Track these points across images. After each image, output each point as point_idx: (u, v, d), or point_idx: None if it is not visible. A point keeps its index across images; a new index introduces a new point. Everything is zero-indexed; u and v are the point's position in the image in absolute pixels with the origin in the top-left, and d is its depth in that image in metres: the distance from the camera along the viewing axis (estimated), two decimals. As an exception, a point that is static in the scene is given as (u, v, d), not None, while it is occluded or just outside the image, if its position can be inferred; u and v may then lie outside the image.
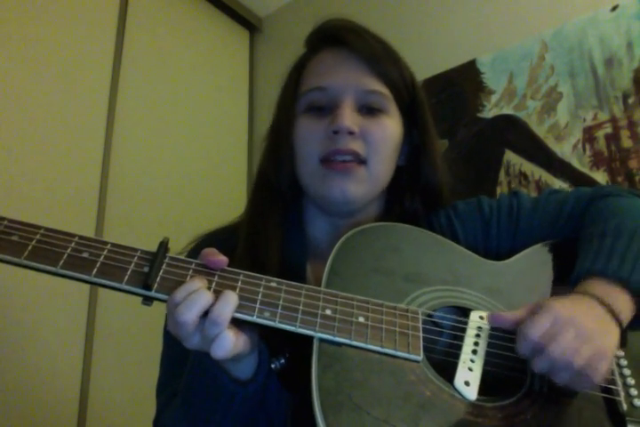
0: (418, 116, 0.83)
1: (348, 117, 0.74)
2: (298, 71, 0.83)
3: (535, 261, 0.74)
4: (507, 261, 0.73)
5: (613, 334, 0.58)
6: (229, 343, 0.54)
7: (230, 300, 0.55)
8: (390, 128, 0.78)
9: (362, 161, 0.75)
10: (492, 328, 0.63)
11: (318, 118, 0.77)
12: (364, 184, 0.76)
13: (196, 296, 0.54)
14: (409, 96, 0.82)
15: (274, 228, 0.78)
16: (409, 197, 0.83)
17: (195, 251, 0.79)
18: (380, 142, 0.76)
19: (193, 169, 1.92)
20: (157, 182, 1.78)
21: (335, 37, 0.80)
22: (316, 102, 0.78)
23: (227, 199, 1.99)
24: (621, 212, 0.70)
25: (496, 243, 0.79)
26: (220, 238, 0.82)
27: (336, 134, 0.74)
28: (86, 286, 1.47)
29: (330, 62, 0.79)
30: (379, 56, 0.78)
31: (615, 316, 0.59)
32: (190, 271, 0.58)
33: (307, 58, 0.84)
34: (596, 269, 0.64)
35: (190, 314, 0.54)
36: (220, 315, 0.54)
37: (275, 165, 0.81)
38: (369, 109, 0.77)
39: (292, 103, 0.80)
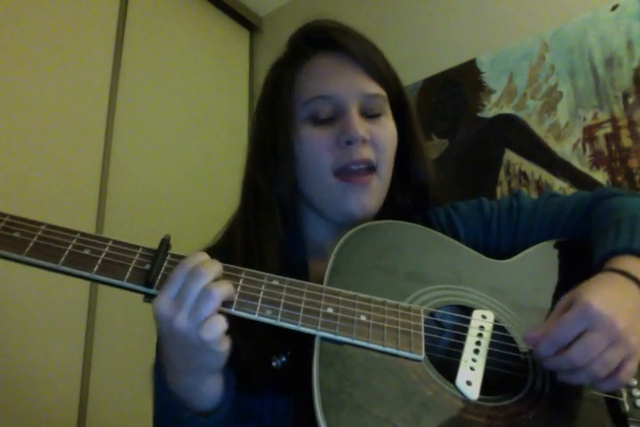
0: (405, 113, 0.83)
1: (361, 126, 0.73)
2: (290, 77, 0.79)
3: (538, 260, 0.73)
4: (510, 259, 0.73)
5: None
6: (222, 324, 0.54)
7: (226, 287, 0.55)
8: (391, 129, 0.78)
9: (373, 168, 0.75)
10: (495, 328, 0.63)
11: (324, 128, 0.75)
12: (377, 194, 0.76)
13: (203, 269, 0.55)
14: (397, 94, 0.82)
15: (270, 232, 0.76)
16: (399, 193, 0.83)
17: None
18: (386, 145, 0.76)
19: (192, 168, 1.92)
20: (157, 181, 1.78)
21: (327, 40, 0.78)
22: (319, 111, 0.75)
23: (226, 197, 1.98)
24: (631, 207, 0.70)
25: (496, 243, 0.79)
26: (218, 251, 0.79)
27: (349, 144, 0.73)
28: (86, 284, 1.46)
29: (328, 68, 0.77)
30: (373, 58, 0.77)
31: None
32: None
33: (298, 62, 0.80)
34: (620, 248, 0.63)
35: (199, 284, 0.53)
36: (216, 288, 0.54)
37: (270, 177, 0.78)
38: (370, 113, 0.77)
39: (291, 112, 0.77)
